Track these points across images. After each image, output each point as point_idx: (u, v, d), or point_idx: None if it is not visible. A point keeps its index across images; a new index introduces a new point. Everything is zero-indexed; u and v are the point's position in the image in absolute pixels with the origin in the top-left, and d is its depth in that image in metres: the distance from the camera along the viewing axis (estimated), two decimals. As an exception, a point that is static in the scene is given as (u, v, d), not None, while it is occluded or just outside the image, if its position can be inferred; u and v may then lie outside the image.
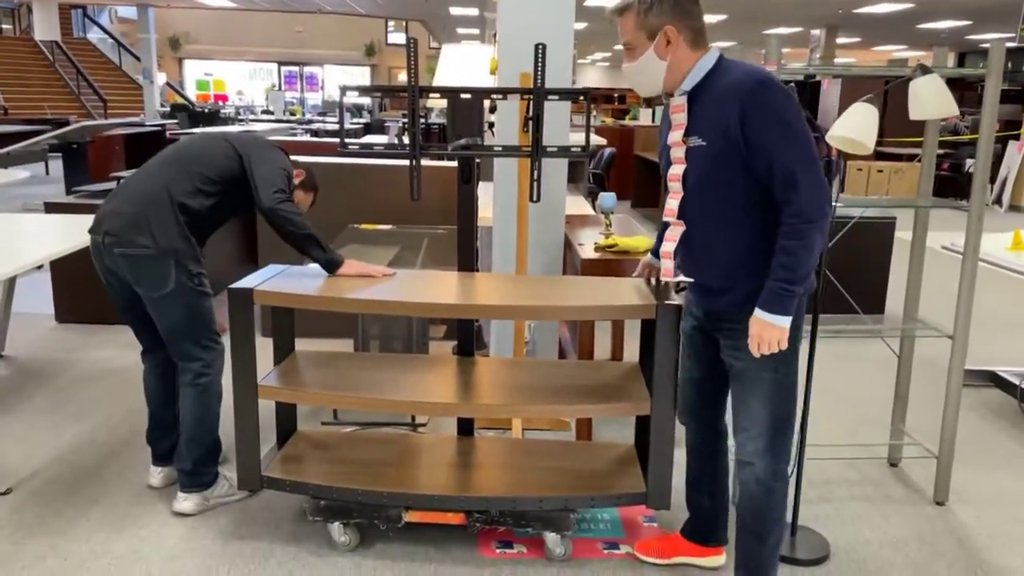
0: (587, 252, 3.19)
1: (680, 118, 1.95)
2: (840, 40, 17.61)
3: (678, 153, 1.96)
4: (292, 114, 18.04)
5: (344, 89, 2.61)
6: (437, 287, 2.43)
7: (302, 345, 2.97)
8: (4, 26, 20.23)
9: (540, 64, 2.52)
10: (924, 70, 2.30)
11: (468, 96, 2.68)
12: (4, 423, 3.29)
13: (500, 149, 2.69)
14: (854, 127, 2.21)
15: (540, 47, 2.51)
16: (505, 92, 2.75)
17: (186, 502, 2.61)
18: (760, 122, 1.80)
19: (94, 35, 20.77)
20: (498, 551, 2.47)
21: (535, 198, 2.65)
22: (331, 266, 2.49)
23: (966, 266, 2.63)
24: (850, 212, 4.93)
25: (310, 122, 16.50)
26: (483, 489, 2.42)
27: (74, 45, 18.99)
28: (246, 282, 2.40)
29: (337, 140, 8.91)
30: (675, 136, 1.97)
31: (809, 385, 2.47)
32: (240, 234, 5.28)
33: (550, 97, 2.55)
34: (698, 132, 1.90)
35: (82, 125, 9.30)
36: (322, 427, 3.28)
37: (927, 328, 2.81)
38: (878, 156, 11.88)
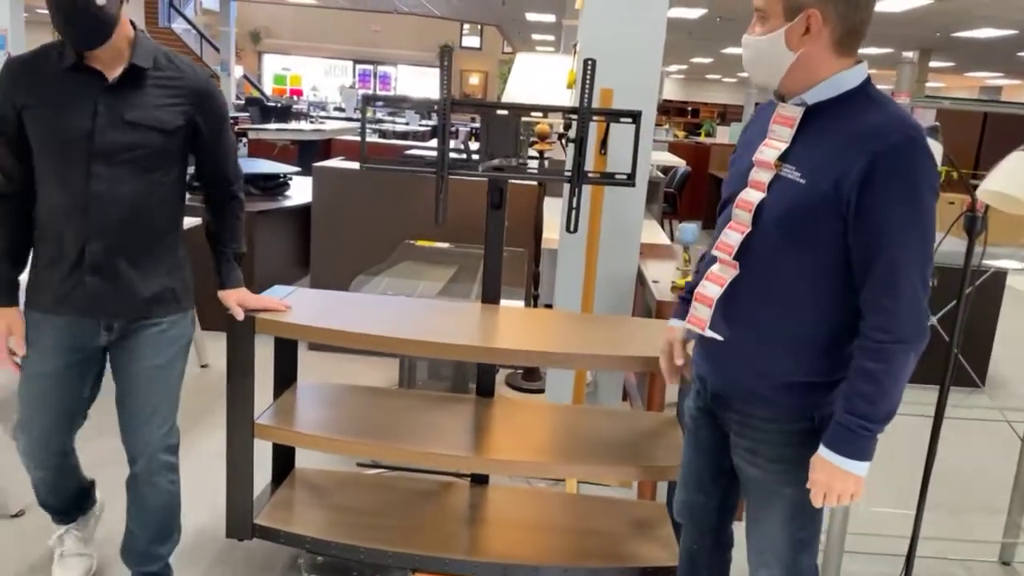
0: (662, 292, 2.86)
1: (783, 134, 1.49)
2: (932, 64, 16.78)
3: (761, 176, 1.50)
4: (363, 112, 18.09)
5: (367, 99, 2.36)
6: (461, 323, 2.17)
7: (343, 362, 2.74)
8: (95, 13, 20.81)
9: (588, 82, 2.24)
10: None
11: (504, 112, 2.38)
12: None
13: (535, 171, 2.42)
14: (1014, 181, 1.82)
15: (589, 63, 2.23)
16: (545, 110, 2.51)
17: None
18: (889, 193, 1.37)
19: (178, 25, 21.22)
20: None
21: (572, 228, 2.37)
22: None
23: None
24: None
25: (379, 122, 16.51)
26: (502, 553, 2.15)
27: (159, 35, 19.41)
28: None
29: (406, 143, 8.68)
30: (766, 154, 1.50)
31: (926, 486, 2.09)
32: (294, 234, 5.10)
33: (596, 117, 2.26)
34: (799, 163, 1.45)
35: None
36: (357, 468, 3.03)
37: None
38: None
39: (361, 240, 4.38)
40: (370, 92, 15.12)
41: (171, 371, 1.99)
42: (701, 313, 1.59)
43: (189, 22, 21.28)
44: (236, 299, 2.09)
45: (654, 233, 4.15)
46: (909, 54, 15.79)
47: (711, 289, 1.57)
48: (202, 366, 3.97)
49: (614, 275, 3.19)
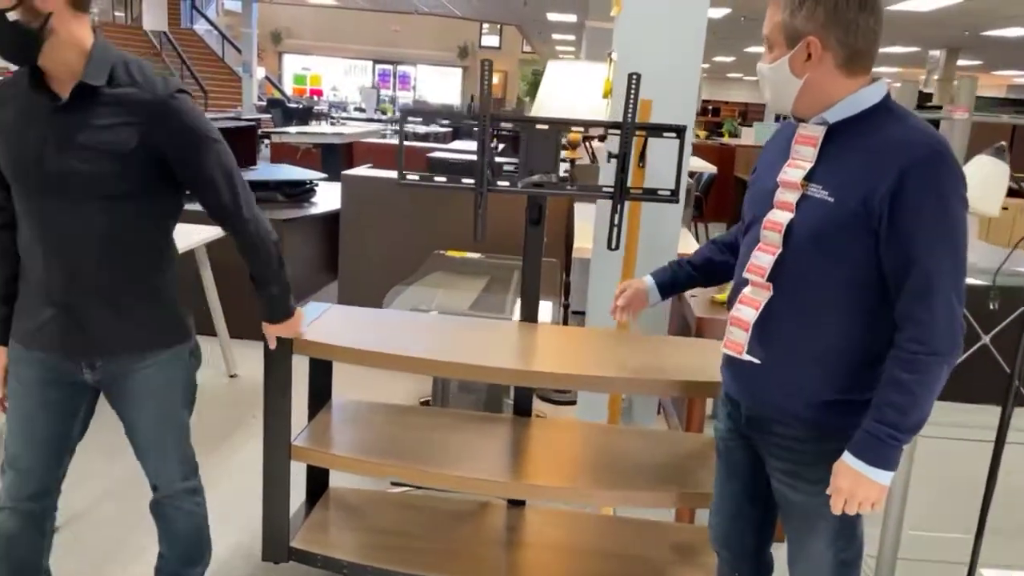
0: (701, 308, 2.80)
1: (806, 154, 1.49)
2: (960, 62, 16.52)
3: (787, 197, 1.50)
4: (383, 112, 18.10)
5: (405, 113, 2.31)
6: (498, 343, 2.13)
7: (374, 371, 2.70)
8: (117, 14, 21.01)
9: (633, 96, 2.19)
10: None
11: (545, 127, 2.33)
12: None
13: (575, 188, 2.36)
14: (972, 188, 1.69)
15: (634, 77, 2.17)
16: (587, 124, 2.46)
17: None
18: (919, 206, 1.37)
19: (200, 26, 21.36)
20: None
21: (614, 245, 2.31)
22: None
23: None
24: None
25: (397, 121, 16.49)
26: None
27: (181, 35, 19.55)
28: None
29: (427, 145, 8.63)
30: (791, 175, 1.50)
31: (986, 509, 2.02)
32: (321, 240, 5.08)
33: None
34: (826, 181, 1.45)
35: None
36: (390, 486, 2.99)
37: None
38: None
39: (390, 250, 4.34)
40: (408, 104, 15.12)
41: (174, 414, 1.85)
42: (737, 337, 1.58)
43: (211, 23, 21.41)
44: (273, 332, 1.99)
45: (686, 241, 4.08)
46: (936, 53, 15.55)
47: (746, 312, 1.56)
48: (231, 376, 3.96)
49: (650, 289, 3.12)
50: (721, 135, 13.94)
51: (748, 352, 1.56)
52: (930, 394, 1.40)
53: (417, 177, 2.29)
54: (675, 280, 1.94)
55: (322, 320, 2.22)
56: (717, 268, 1.89)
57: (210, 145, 1.69)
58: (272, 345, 2.01)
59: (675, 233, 3.00)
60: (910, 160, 1.37)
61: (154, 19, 17.17)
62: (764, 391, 1.57)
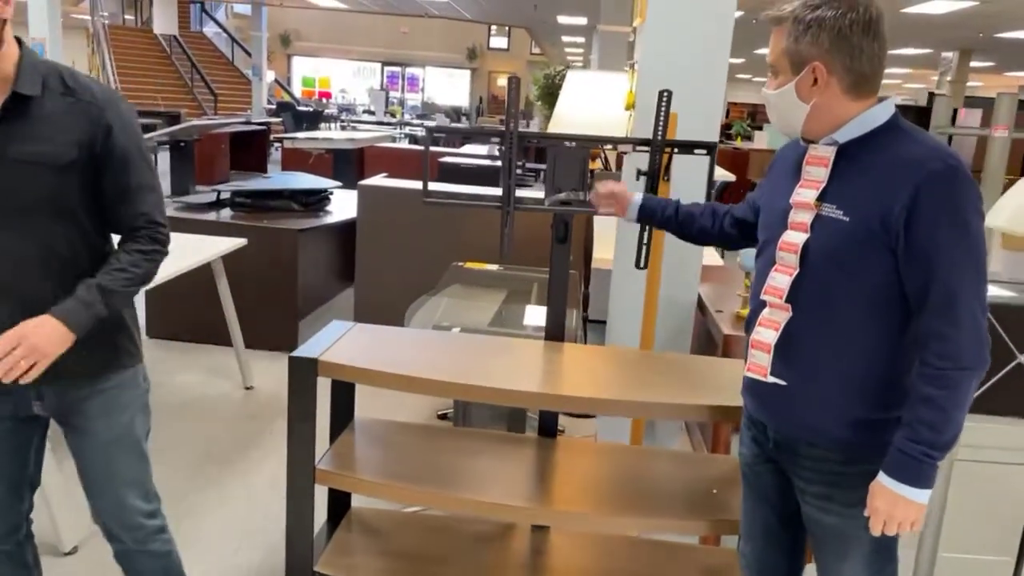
0: (728, 325, 2.75)
1: (818, 174, 1.50)
2: (972, 64, 16.39)
3: (801, 218, 1.51)
4: (392, 115, 18.08)
5: (430, 132, 2.28)
6: (521, 365, 2.10)
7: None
8: (127, 17, 21.06)
9: (664, 113, 2.15)
10: None
11: (572, 144, 2.28)
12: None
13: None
14: (1012, 215, 1.66)
15: (665, 94, 2.12)
16: (616, 142, 2.41)
17: None
18: (935, 222, 1.37)
19: (210, 29, 21.40)
20: None
21: (642, 264, 2.26)
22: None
23: None
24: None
25: (406, 124, 16.46)
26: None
27: (190, 39, 19.57)
28: (309, 348, 2.08)
29: (438, 149, 8.56)
30: (804, 195, 1.51)
31: None
32: (336, 248, 5.05)
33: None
34: (840, 201, 1.46)
35: (191, 124, 9.37)
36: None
37: None
38: None
39: (407, 260, 4.31)
40: (434, 124, 14.94)
41: (130, 439, 1.71)
42: (760, 359, 1.56)
43: (220, 26, 21.44)
44: (32, 334, 1.48)
45: (711, 252, 4.03)
46: (948, 55, 15.42)
47: (766, 334, 1.55)
48: (247, 388, 3.93)
49: (673, 303, 3.08)
50: (731, 137, 13.85)
51: (772, 374, 1.54)
52: (961, 409, 1.39)
53: (442, 194, 2.25)
54: (655, 213, 1.99)
55: (345, 340, 2.18)
56: (694, 228, 1.95)
57: (142, 156, 1.61)
58: (3, 351, 1.47)
59: (699, 248, 2.96)
60: (924, 176, 1.37)
61: (164, 23, 17.21)
62: (792, 412, 1.54)
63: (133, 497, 1.72)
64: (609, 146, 4.72)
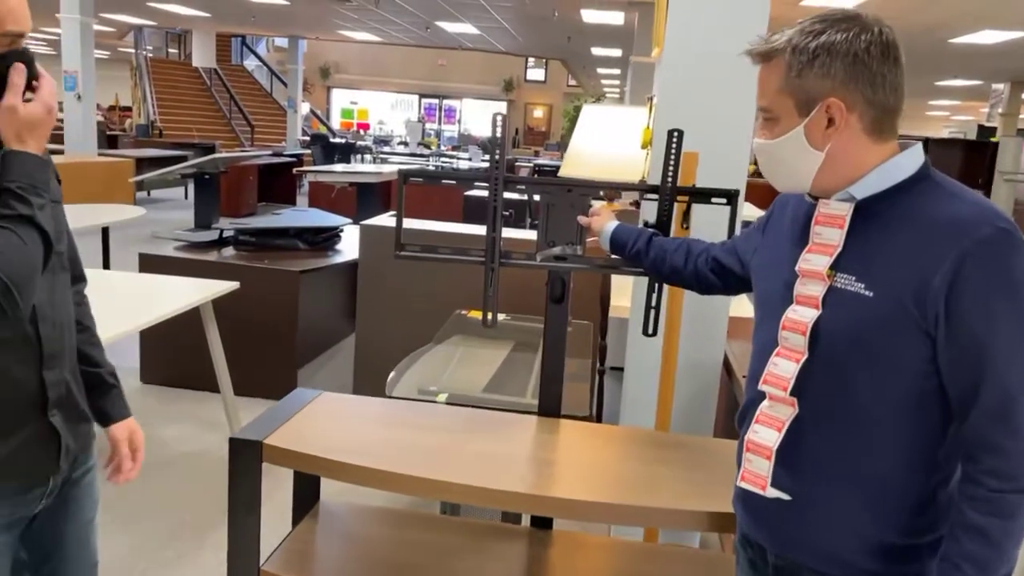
0: (755, 393, 2.39)
1: (831, 236, 1.19)
2: (1026, 96, 15.78)
3: (810, 290, 1.20)
4: (427, 146, 18.01)
5: (404, 175, 1.99)
6: (513, 453, 1.76)
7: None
8: (171, 51, 21.51)
9: (674, 157, 1.83)
10: None
11: (570, 191, 1.94)
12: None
13: (604, 261, 1.96)
14: None
15: (675, 134, 1.80)
16: (618, 188, 2.12)
17: None
18: (986, 301, 1.07)
19: (251, 63, 21.73)
20: None
21: (650, 331, 1.91)
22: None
23: None
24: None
25: (439, 155, 16.37)
26: None
27: (231, 71, 19.88)
28: (256, 426, 1.79)
29: (476, 182, 8.31)
30: (814, 262, 1.20)
31: None
32: (341, 289, 4.80)
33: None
34: (859, 271, 1.15)
35: (216, 157, 9.33)
36: None
37: None
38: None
39: (410, 305, 4.04)
40: (467, 156, 14.77)
41: (95, 520, 1.53)
42: (758, 467, 1.24)
43: (260, 59, 21.79)
44: (130, 434, 1.56)
45: (739, 302, 3.67)
46: (999, 86, 14.88)
47: (766, 435, 1.24)
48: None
49: (696, 365, 2.73)
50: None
51: (774, 486, 1.23)
52: (1016, 541, 1.10)
53: (417, 247, 1.95)
54: (624, 247, 1.76)
55: (303, 415, 1.89)
56: (665, 267, 1.70)
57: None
58: (128, 463, 1.55)
59: (725, 305, 2.62)
60: (970, 243, 1.08)
61: (202, 56, 17.53)
62: (798, 534, 1.23)
63: None
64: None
